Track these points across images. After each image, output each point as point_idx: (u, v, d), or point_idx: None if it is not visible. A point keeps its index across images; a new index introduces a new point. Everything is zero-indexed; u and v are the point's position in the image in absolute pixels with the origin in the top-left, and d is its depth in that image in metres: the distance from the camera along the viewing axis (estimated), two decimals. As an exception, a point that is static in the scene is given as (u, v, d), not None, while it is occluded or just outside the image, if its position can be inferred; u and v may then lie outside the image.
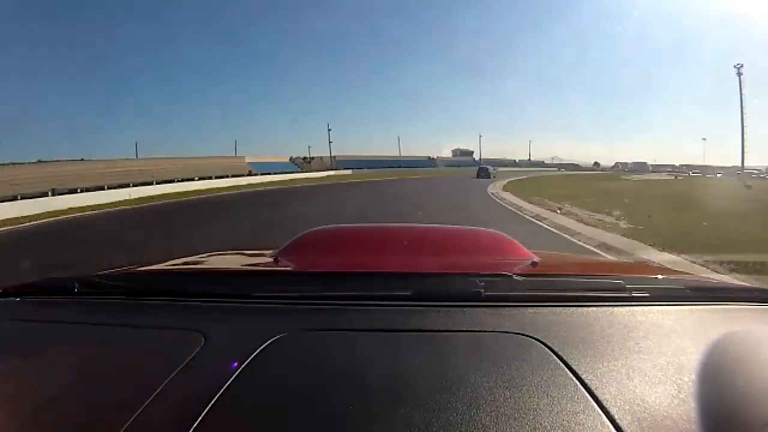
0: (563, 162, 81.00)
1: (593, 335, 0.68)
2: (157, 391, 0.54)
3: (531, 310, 0.77)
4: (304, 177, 36.97)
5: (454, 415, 0.49)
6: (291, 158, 47.10)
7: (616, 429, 0.48)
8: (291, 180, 32.87)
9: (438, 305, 0.78)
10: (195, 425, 0.48)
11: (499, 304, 0.79)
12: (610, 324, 0.72)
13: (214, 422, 0.49)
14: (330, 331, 0.70)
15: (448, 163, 64.09)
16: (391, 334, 0.69)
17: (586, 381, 0.55)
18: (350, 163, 49.93)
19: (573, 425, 0.48)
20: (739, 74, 37.85)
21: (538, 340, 0.65)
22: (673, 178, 44.74)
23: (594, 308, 0.78)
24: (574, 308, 0.78)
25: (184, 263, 1.28)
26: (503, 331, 0.68)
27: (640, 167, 75.40)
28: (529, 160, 77.32)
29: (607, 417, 0.49)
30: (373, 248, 1.29)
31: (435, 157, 65.40)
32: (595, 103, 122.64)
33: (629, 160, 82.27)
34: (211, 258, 1.45)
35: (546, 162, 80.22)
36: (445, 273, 0.97)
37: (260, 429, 0.50)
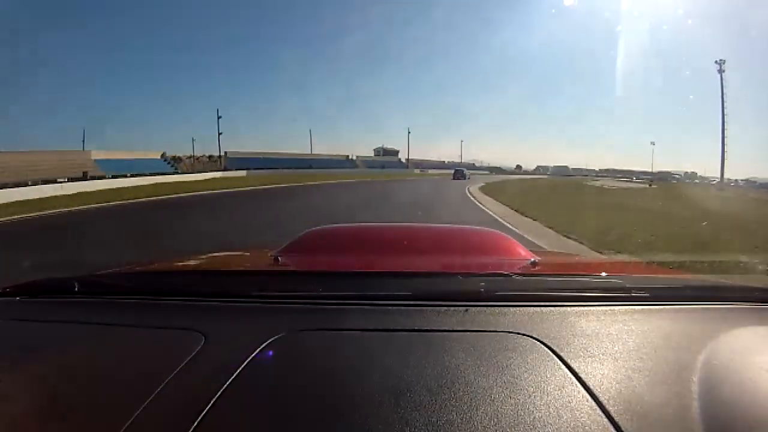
0: (492, 165, 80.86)
1: (593, 335, 0.68)
2: (157, 391, 0.54)
3: (531, 309, 0.77)
4: (167, 181, 29.29)
5: (454, 414, 0.49)
6: (163, 155, 39.18)
7: (615, 429, 0.48)
8: (138, 188, 24.71)
9: (438, 305, 0.78)
10: (195, 425, 0.48)
11: (499, 303, 0.79)
12: (610, 324, 0.73)
13: (215, 422, 0.49)
14: (330, 330, 0.71)
15: (370, 163, 58.13)
16: (391, 334, 0.69)
17: (586, 381, 0.56)
18: (248, 161, 43.02)
19: (573, 425, 0.48)
20: (721, 71, 34.04)
21: (538, 340, 0.65)
22: (648, 186, 36.58)
23: (594, 308, 0.78)
24: (575, 308, 0.78)
25: (184, 263, 1.30)
26: (503, 331, 0.69)
27: (561, 171, 77.09)
28: (460, 162, 75.91)
29: (607, 417, 0.49)
30: (374, 248, 1.30)
31: (354, 157, 59.18)
32: (516, 107, 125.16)
33: (550, 164, 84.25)
34: (211, 258, 1.45)
35: (476, 164, 79.48)
36: (445, 272, 1.00)
37: (260, 429, 0.50)
